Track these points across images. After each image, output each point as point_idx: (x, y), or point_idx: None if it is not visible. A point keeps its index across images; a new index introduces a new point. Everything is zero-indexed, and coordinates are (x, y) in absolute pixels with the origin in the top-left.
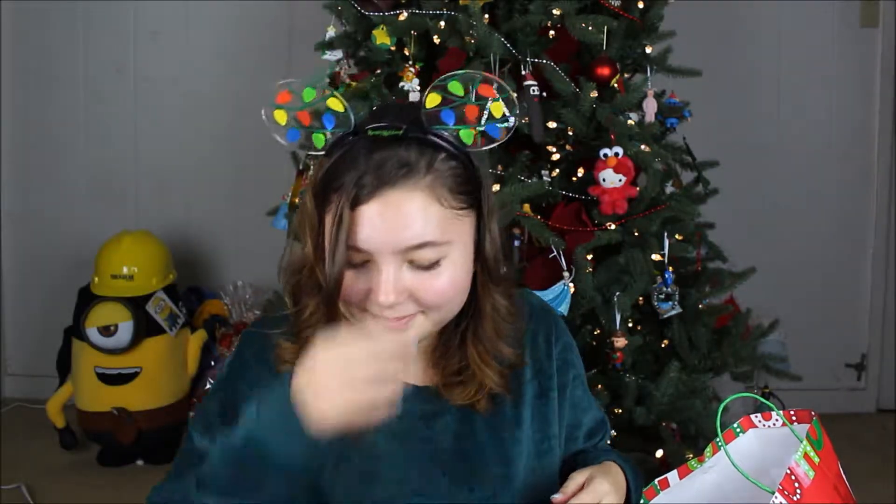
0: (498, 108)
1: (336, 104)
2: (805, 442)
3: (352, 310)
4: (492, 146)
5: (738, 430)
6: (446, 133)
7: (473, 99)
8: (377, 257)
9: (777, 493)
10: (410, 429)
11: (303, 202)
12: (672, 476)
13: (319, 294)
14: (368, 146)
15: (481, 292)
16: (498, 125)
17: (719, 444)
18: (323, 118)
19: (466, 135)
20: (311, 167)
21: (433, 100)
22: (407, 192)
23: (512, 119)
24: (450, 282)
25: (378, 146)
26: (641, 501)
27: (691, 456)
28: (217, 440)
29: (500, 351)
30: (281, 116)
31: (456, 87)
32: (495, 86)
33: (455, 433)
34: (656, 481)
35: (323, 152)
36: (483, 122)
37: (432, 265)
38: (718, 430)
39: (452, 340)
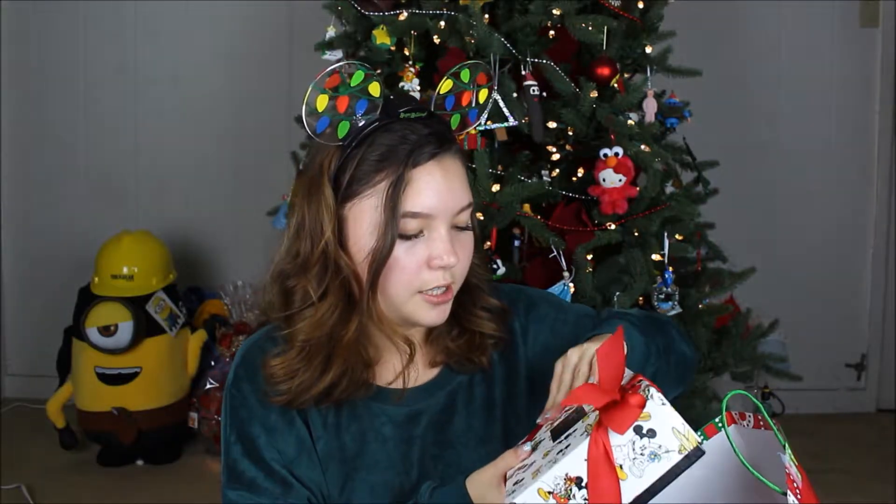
0: (484, 93)
1: (375, 89)
2: (787, 443)
3: (402, 293)
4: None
5: (719, 424)
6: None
7: (472, 85)
8: (434, 222)
9: (789, 494)
10: (397, 434)
11: (317, 196)
12: None
13: (339, 288)
14: (405, 126)
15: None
16: (477, 110)
17: (701, 438)
18: (357, 104)
19: (455, 119)
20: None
21: (446, 86)
22: (454, 156)
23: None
24: (472, 249)
25: (412, 124)
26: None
27: None
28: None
29: (486, 300)
30: (322, 102)
31: (465, 75)
32: (487, 75)
33: (438, 425)
34: None
35: (341, 142)
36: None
37: (465, 228)
38: (725, 421)
39: (444, 324)
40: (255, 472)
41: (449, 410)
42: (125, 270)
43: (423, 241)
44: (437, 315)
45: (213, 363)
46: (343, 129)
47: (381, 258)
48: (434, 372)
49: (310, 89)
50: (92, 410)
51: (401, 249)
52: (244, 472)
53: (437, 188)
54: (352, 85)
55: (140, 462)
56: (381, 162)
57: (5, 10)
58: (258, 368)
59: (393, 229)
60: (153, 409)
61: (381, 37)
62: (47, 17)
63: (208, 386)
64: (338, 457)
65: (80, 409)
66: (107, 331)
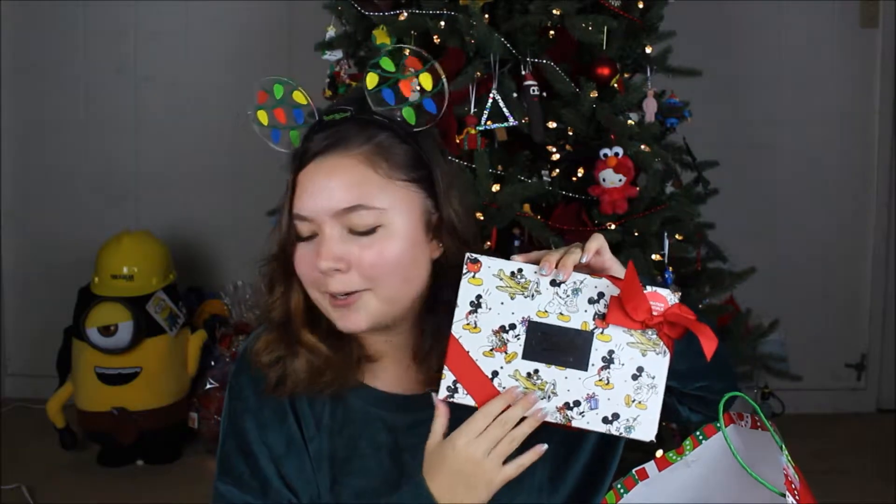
0: (427, 79)
1: (300, 97)
2: (784, 445)
3: (313, 293)
4: (430, 125)
5: (717, 425)
6: (393, 115)
7: (403, 73)
8: (318, 224)
9: (788, 494)
10: (394, 442)
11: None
12: (650, 467)
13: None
14: (322, 128)
15: (450, 272)
16: (432, 98)
17: (700, 438)
18: (294, 113)
19: (409, 113)
20: None
21: (372, 80)
22: (339, 158)
23: (512, 119)
24: (388, 251)
25: (329, 127)
26: (620, 491)
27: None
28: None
29: None
30: (263, 117)
31: (386, 63)
32: (420, 58)
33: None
34: (634, 471)
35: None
36: (417, 97)
37: (370, 232)
38: (722, 422)
39: (428, 333)
40: (244, 468)
41: (453, 421)
42: (125, 270)
43: (317, 241)
44: (344, 321)
45: (213, 363)
46: (295, 137)
47: (280, 250)
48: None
49: (249, 110)
50: (92, 410)
51: (301, 248)
52: (235, 467)
53: (311, 189)
54: (277, 98)
55: (140, 462)
56: (290, 166)
57: (5, 9)
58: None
59: (284, 229)
60: (153, 409)
61: (381, 37)
62: (47, 18)
63: (208, 386)
64: (328, 458)
65: (80, 409)
66: (107, 331)
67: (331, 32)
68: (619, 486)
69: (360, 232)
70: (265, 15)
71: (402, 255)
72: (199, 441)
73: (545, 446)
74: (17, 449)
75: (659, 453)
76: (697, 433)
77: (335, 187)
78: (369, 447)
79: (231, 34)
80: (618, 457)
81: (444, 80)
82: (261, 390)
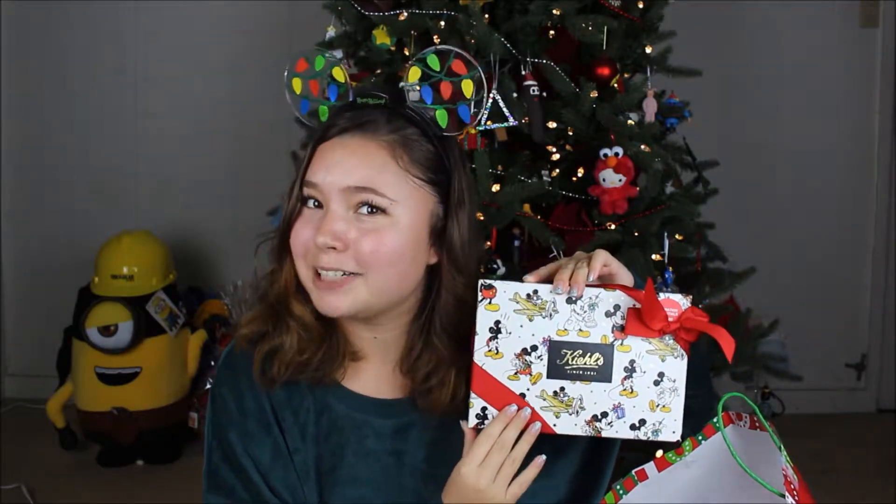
0: (468, 86)
1: (339, 74)
2: (782, 445)
3: (300, 265)
4: (454, 132)
5: (717, 424)
6: (426, 114)
7: (446, 75)
8: (325, 197)
9: (787, 495)
10: (382, 447)
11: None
12: (650, 468)
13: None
14: (353, 109)
15: (445, 280)
16: (467, 106)
17: (699, 438)
18: (328, 89)
19: (441, 115)
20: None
21: (414, 74)
22: (365, 140)
23: (512, 118)
24: (390, 242)
25: (360, 109)
26: (620, 492)
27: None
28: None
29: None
30: (297, 85)
31: (433, 62)
32: (466, 62)
33: (431, 441)
34: (633, 472)
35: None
36: (457, 103)
37: (376, 219)
38: (721, 422)
39: (417, 340)
40: (235, 481)
41: (446, 425)
42: (125, 270)
43: (320, 215)
44: (325, 303)
45: (212, 363)
46: (323, 113)
47: (285, 220)
48: None
49: (286, 73)
50: (92, 410)
51: (298, 221)
52: (225, 480)
53: (328, 161)
54: (317, 69)
55: (140, 462)
56: (311, 138)
57: (5, 10)
58: (239, 371)
59: (294, 199)
60: (153, 409)
61: (381, 37)
62: (47, 18)
63: (208, 386)
64: (314, 469)
65: (80, 409)
66: (107, 331)
67: (331, 32)
68: (618, 486)
69: (365, 215)
70: (265, 15)
71: (401, 249)
72: (199, 441)
73: (544, 457)
74: (17, 449)
75: (658, 454)
76: (697, 434)
77: (352, 165)
78: (357, 455)
79: (231, 34)
80: (613, 457)
81: (486, 89)
82: (242, 401)
